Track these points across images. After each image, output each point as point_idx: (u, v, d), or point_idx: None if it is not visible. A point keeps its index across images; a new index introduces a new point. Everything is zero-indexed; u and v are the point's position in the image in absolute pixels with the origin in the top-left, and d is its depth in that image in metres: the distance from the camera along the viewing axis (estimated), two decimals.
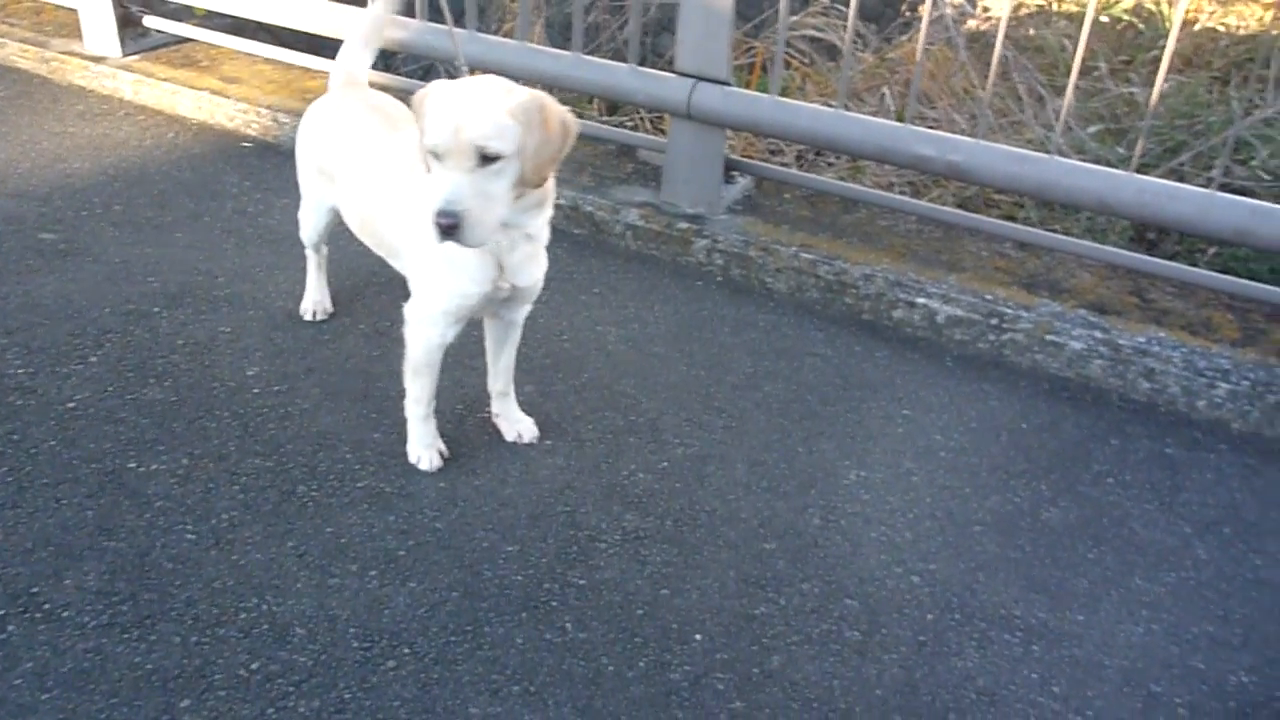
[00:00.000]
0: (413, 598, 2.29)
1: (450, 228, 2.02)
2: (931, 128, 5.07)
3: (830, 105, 3.20)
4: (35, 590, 2.24)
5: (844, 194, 3.45)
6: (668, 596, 2.33)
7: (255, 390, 2.84)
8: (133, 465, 2.57)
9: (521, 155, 2.07)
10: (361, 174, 2.60)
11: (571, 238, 3.60)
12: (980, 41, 6.19)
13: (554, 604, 2.29)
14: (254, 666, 2.12)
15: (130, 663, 2.11)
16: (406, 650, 2.17)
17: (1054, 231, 3.32)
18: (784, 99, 3.23)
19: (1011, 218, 3.68)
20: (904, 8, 7.51)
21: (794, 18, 5.86)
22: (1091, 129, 4.44)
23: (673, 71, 3.33)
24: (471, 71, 2.51)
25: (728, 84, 3.27)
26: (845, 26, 5.70)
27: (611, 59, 3.55)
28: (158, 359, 2.92)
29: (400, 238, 2.50)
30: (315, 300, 3.12)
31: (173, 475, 2.55)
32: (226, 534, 2.41)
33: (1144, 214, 2.88)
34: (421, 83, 4.00)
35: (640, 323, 3.20)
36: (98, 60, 4.38)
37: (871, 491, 2.64)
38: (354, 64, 2.88)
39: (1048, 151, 2.96)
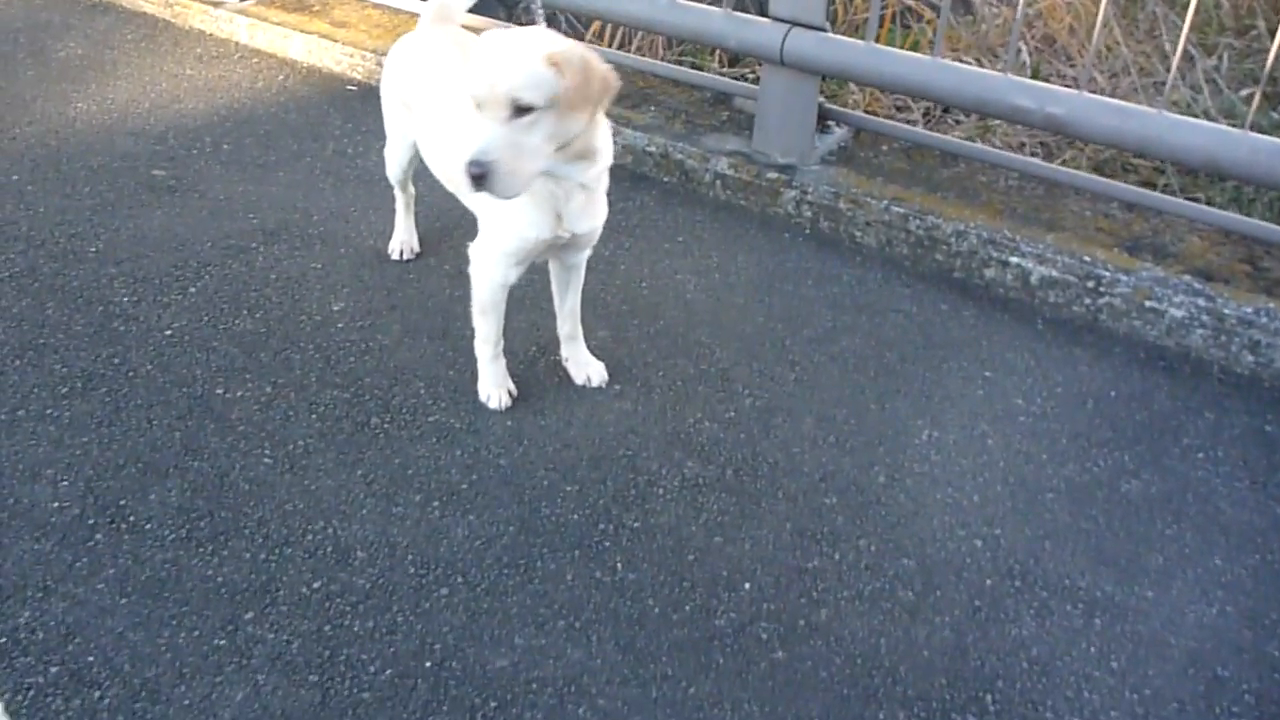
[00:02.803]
0: (471, 530, 2.34)
1: (479, 178, 2.03)
2: (1069, 87, 4.89)
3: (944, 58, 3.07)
4: (123, 503, 2.37)
5: (940, 146, 3.34)
6: (720, 544, 2.32)
7: (340, 325, 2.93)
8: (220, 391, 2.69)
9: (558, 107, 2.06)
10: (436, 109, 2.63)
11: (660, 185, 3.58)
12: None
13: (607, 544, 2.31)
14: (315, 585, 2.21)
15: (202, 575, 2.22)
16: (460, 579, 2.23)
17: (1195, 200, 3.12)
18: (879, 45, 3.13)
19: (1151, 184, 3.48)
20: None
21: None
22: (1244, 92, 4.17)
23: (768, 17, 3.26)
24: (550, 17, 2.52)
25: (824, 29, 3.19)
26: None
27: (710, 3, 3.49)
28: (251, 292, 3.04)
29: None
30: (403, 240, 3.19)
31: (256, 402, 2.66)
32: (300, 460, 2.50)
33: (1255, 174, 2.70)
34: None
35: (722, 273, 3.18)
36: (216, 4, 4.54)
37: (942, 452, 2.57)
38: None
39: (1194, 114, 2.77)
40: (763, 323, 2.98)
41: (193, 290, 3.04)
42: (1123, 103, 2.84)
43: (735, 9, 3.38)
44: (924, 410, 2.70)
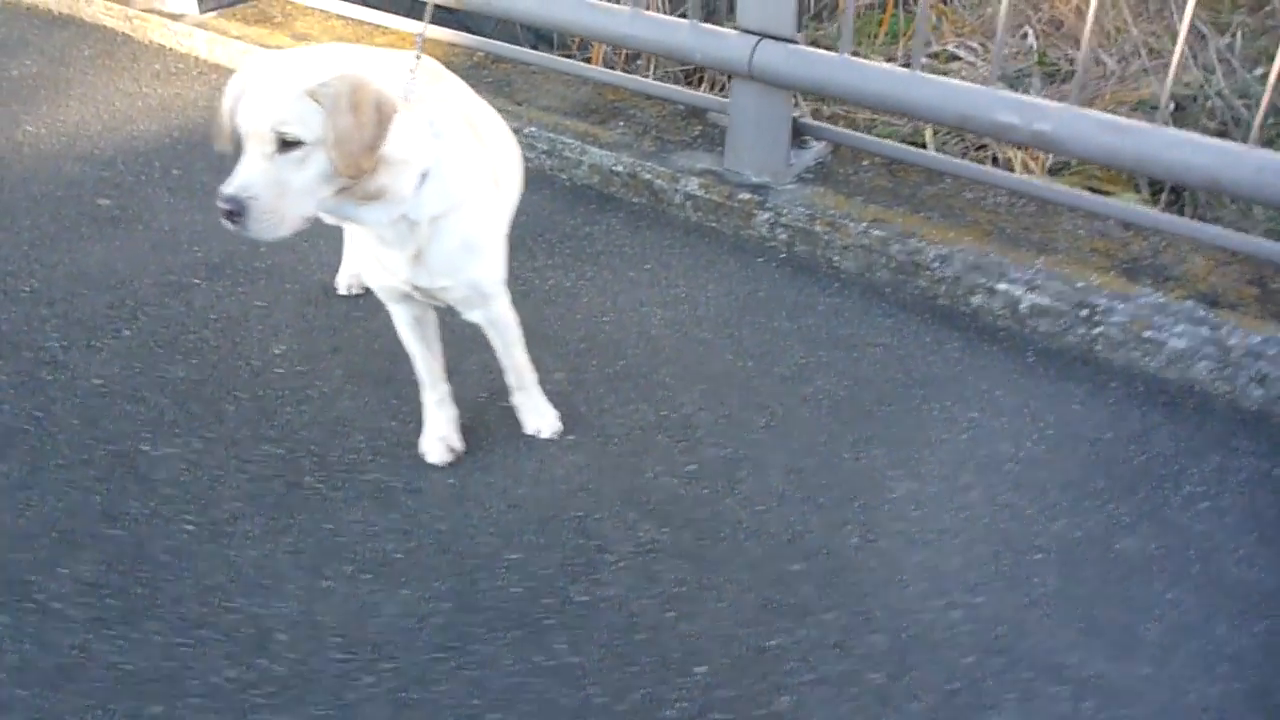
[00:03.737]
0: (403, 606, 2.16)
1: (230, 215, 1.81)
2: (1074, 69, 4.66)
3: (917, 67, 2.85)
4: (31, 579, 2.20)
5: (921, 162, 3.12)
6: (674, 620, 2.13)
7: (279, 370, 2.74)
8: (146, 448, 2.52)
9: (326, 144, 1.82)
10: None
11: (628, 207, 3.38)
12: None
13: (549, 622, 2.13)
14: (230, 674, 2.04)
15: (110, 662, 2.05)
16: (387, 666, 2.05)
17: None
18: (854, 58, 2.91)
19: (1158, 195, 3.23)
20: None
21: None
22: (1258, 71, 3.93)
23: (735, 28, 3.04)
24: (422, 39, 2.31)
25: (793, 41, 2.97)
26: None
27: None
28: (189, 334, 2.86)
29: None
30: (351, 274, 3.00)
31: (183, 460, 2.49)
32: (225, 526, 2.32)
33: (1261, 194, 2.47)
34: (494, 42, 3.83)
35: (690, 304, 2.97)
36: (176, 18, 4.35)
37: (921, 507, 2.37)
38: None
39: (1206, 95, 2.51)
40: (731, 360, 2.78)
41: (127, 333, 2.86)
42: (1117, 118, 2.62)
43: (707, 19, 3.17)
44: (901, 459, 2.49)
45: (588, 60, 4.19)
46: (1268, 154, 2.47)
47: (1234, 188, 2.50)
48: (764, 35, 2.98)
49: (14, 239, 3.22)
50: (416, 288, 2.18)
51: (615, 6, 3.28)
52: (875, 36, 5.51)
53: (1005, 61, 4.98)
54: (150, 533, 2.31)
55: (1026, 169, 3.48)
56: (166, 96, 4.02)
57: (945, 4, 5.54)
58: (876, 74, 2.88)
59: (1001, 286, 2.84)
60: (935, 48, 5.20)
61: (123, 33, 4.53)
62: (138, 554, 2.26)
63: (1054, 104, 2.67)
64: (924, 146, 3.58)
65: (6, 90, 4.07)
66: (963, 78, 4.77)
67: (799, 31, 2.98)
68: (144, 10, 4.43)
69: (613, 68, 4.18)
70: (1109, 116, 2.63)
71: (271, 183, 1.81)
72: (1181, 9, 4.77)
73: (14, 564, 2.23)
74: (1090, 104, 4.41)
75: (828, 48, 5.12)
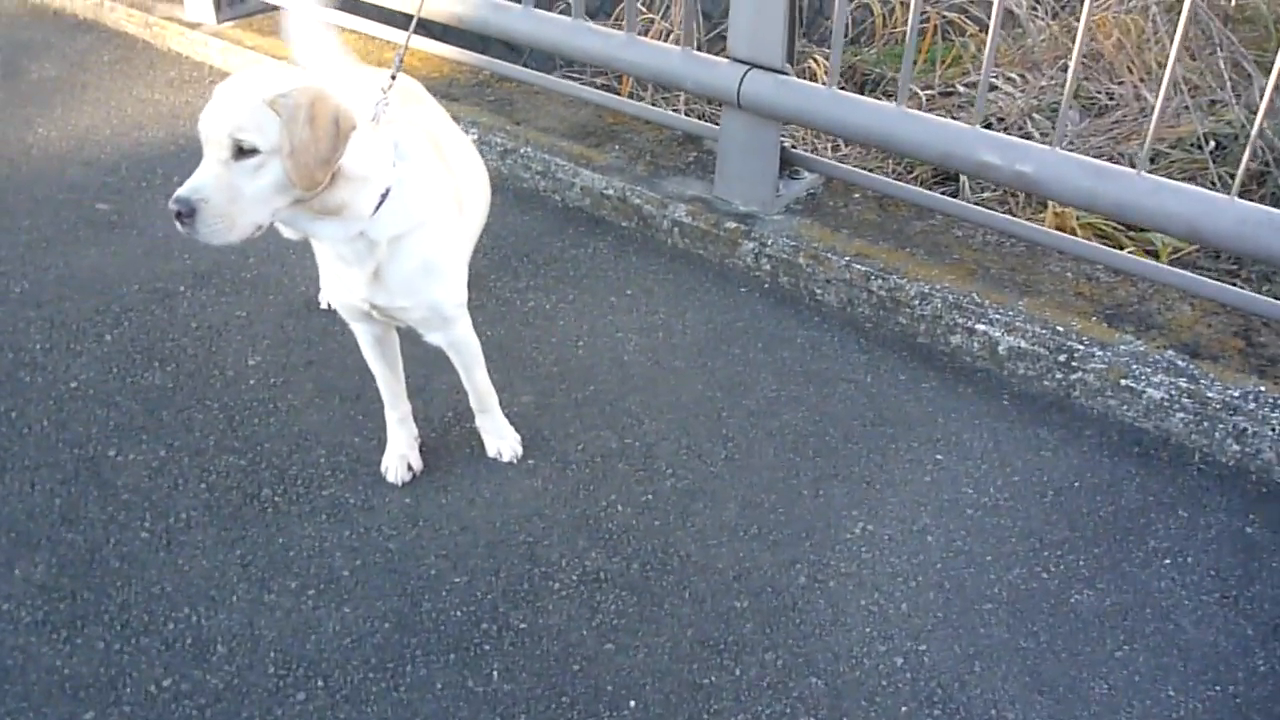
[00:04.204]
0: (343, 624, 2.16)
1: (179, 216, 1.79)
2: (1114, 104, 4.60)
3: (905, 102, 2.83)
4: None
5: (908, 198, 3.08)
6: (611, 652, 2.11)
7: (251, 382, 2.77)
8: (112, 453, 2.55)
9: (282, 154, 1.82)
10: None
11: (616, 231, 3.37)
12: (1178, 10, 5.61)
13: (486, 647, 2.12)
14: (165, 683, 2.05)
15: (50, 665, 2.07)
16: (320, 683, 2.05)
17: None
18: (841, 92, 2.89)
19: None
20: None
21: None
22: None
23: (726, 57, 3.04)
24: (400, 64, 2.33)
25: (783, 72, 2.96)
26: None
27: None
28: (167, 342, 2.90)
29: None
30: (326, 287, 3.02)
31: (146, 467, 2.51)
32: (179, 535, 2.35)
33: (1242, 246, 2.42)
34: (496, 61, 3.85)
35: (666, 331, 2.96)
36: (194, 26, 4.42)
37: (875, 550, 2.33)
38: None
39: (1247, 135, 2.43)
40: (700, 391, 2.76)
41: (108, 338, 2.90)
42: (1099, 162, 2.57)
43: (700, 46, 3.17)
44: (861, 499, 2.46)
45: (609, 86, 4.21)
46: (1250, 206, 2.42)
47: (1215, 238, 2.45)
48: (753, 65, 2.97)
49: (11, 240, 3.29)
50: (375, 307, 2.19)
51: (610, 31, 3.29)
52: (915, 63, 5.48)
53: (1042, 93, 4.94)
54: (105, 538, 2.34)
55: (1055, 215, 3.42)
56: (177, 104, 4.08)
57: (985, 33, 5.51)
58: (863, 108, 2.86)
59: (981, 327, 2.80)
60: (974, 77, 5.17)
61: (142, 39, 4.62)
62: (91, 559, 2.29)
63: (1036, 145, 2.64)
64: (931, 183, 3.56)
65: (24, 93, 4.16)
66: (1000, 108, 4.74)
67: (789, 62, 2.96)
68: (164, 18, 4.50)
69: (618, 92, 4.20)
70: (1090, 160, 2.59)
71: (224, 188, 1.81)
72: (1227, 46, 4.73)
73: None
74: (1128, 139, 4.38)
75: (865, 74, 5.13)
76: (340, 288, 2.20)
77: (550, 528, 2.38)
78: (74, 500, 2.42)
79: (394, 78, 2.38)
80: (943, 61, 5.30)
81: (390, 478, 2.48)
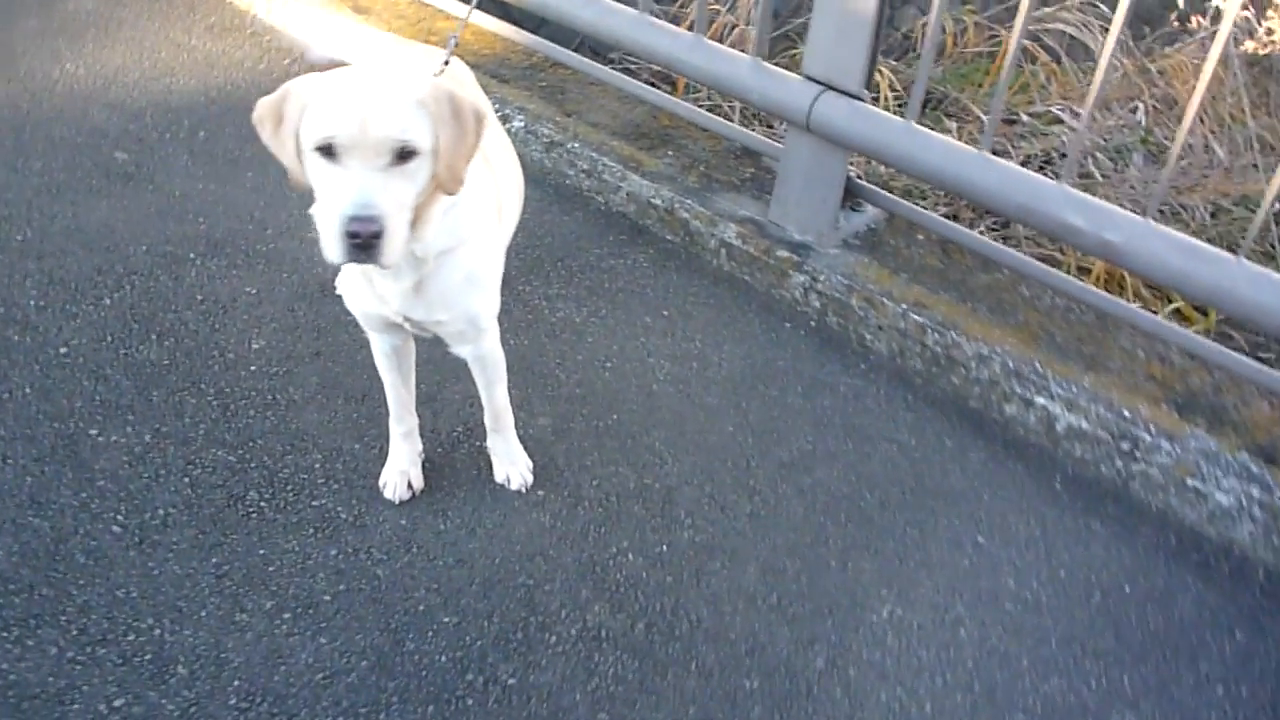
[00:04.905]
0: (317, 656, 1.98)
1: (371, 239, 1.59)
2: (1180, 153, 4.38)
3: (977, 147, 2.60)
4: None
5: (976, 249, 2.85)
6: None
7: (252, 368, 2.58)
8: (94, 432, 2.37)
9: (435, 152, 1.68)
10: None
11: (660, 244, 3.16)
12: (1258, 66, 5.35)
13: (470, 702, 1.93)
14: (118, 703, 1.88)
15: None
16: None
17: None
18: (919, 127, 2.66)
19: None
20: (1173, 18, 6.59)
21: (1045, 9, 5.22)
22: None
23: (799, 74, 2.82)
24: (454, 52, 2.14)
25: (860, 98, 2.74)
26: (1097, 26, 5.01)
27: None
28: (169, 313, 2.71)
29: None
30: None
31: (128, 452, 2.33)
32: (153, 534, 2.17)
33: None
34: (553, 46, 3.64)
35: (700, 362, 2.76)
36: None
37: (902, 637, 2.13)
38: None
39: None
40: (730, 434, 2.56)
41: (107, 302, 2.72)
42: (1195, 242, 2.34)
43: (769, 58, 2.94)
44: (893, 577, 2.26)
45: (659, 79, 3.99)
46: None
47: None
48: (828, 86, 2.75)
49: (21, 183, 3.10)
50: (409, 319, 2.00)
51: (678, 30, 3.06)
52: (981, 86, 5.25)
53: (1109, 133, 4.70)
54: (74, 528, 2.16)
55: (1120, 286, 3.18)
56: (213, 53, 3.89)
57: (1058, 64, 5.27)
58: (939, 147, 2.64)
59: (1040, 400, 2.58)
60: (1039, 108, 4.93)
61: None
62: (55, 550, 2.11)
63: (1128, 214, 2.41)
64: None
65: (57, 23, 3.97)
66: (1063, 143, 4.51)
67: (865, 87, 2.74)
68: None
69: (672, 87, 3.98)
70: (1187, 239, 2.36)
71: (393, 198, 1.63)
72: None
73: None
74: (1191, 191, 4.14)
75: (927, 90, 4.88)
76: (367, 298, 1.99)
77: (553, 571, 2.18)
78: (46, 482, 2.25)
79: (447, 63, 2.19)
80: (1010, 88, 5.06)
81: (388, 494, 2.29)
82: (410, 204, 1.69)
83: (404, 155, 1.64)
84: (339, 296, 2.79)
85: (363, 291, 1.98)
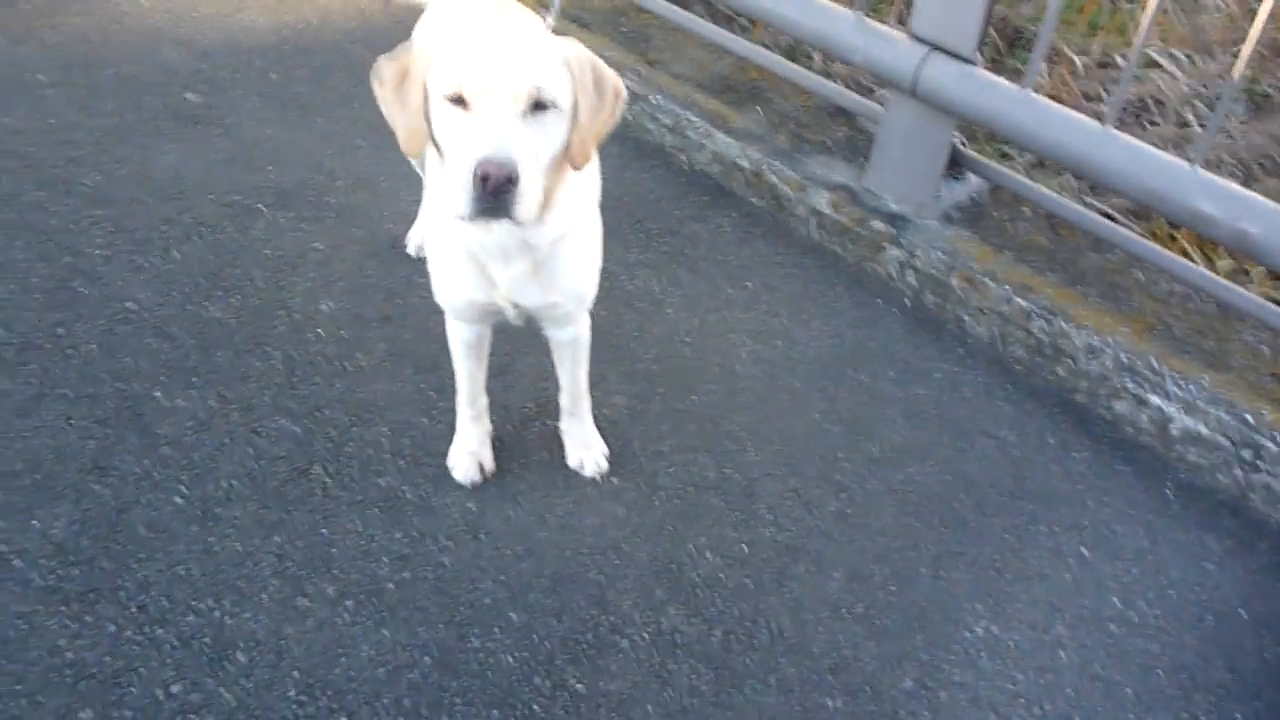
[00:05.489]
0: (379, 650, 1.89)
1: (505, 184, 1.47)
2: None
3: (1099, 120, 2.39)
4: (0, 525, 2.01)
5: (1091, 229, 2.64)
6: None
7: (319, 330, 2.48)
8: (158, 394, 2.29)
9: (573, 117, 1.58)
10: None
11: (745, 208, 2.99)
12: None
13: (535, 708, 1.84)
14: (175, 689, 1.81)
15: (53, 645, 1.84)
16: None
17: None
18: (1038, 96, 2.45)
19: None
20: None
21: None
22: None
23: (906, 33, 2.60)
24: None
25: (971, 63, 2.52)
26: None
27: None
28: (235, 268, 2.62)
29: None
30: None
31: (192, 417, 2.25)
32: (215, 507, 2.09)
33: None
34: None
35: (786, 340, 2.60)
36: None
37: (997, 658, 1.99)
38: None
39: None
40: (817, 422, 2.41)
41: (175, 254, 2.64)
42: None
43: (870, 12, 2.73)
44: (988, 589, 2.11)
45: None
46: None
47: None
48: (937, 48, 2.54)
49: (89, 123, 3.02)
50: (517, 304, 1.88)
51: None
52: (1073, 24, 4.94)
53: (1209, 79, 4.38)
54: (136, 497, 2.09)
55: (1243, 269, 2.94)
56: None
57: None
58: (1060, 120, 2.42)
59: (1153, 399, 2.39)
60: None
61: None
62: (116, 520, 2.05)
63: (1269, 204, 2.19)
64: None
65: None
66: (1159, 89, 4.20)
67: (979, 50, 2.53)
68: None
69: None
70: None
71: (528, 149, 1.52)
72: None
73: None
74: None
75: (1017, 29, 4.60)
76: (472, 285, 1.86)
77: (626, 568, 2.07)
78: (109, 446, 2.18)
79: (553, 19, 2.04)
80: (1103, 28, 4.73)
81: (457, 476, 2.19)
82: (545, 163, 1.57)
83: (540, 106, 1.53)
84: (409, 258, 2.70)
85: (467, 278, 1.85)
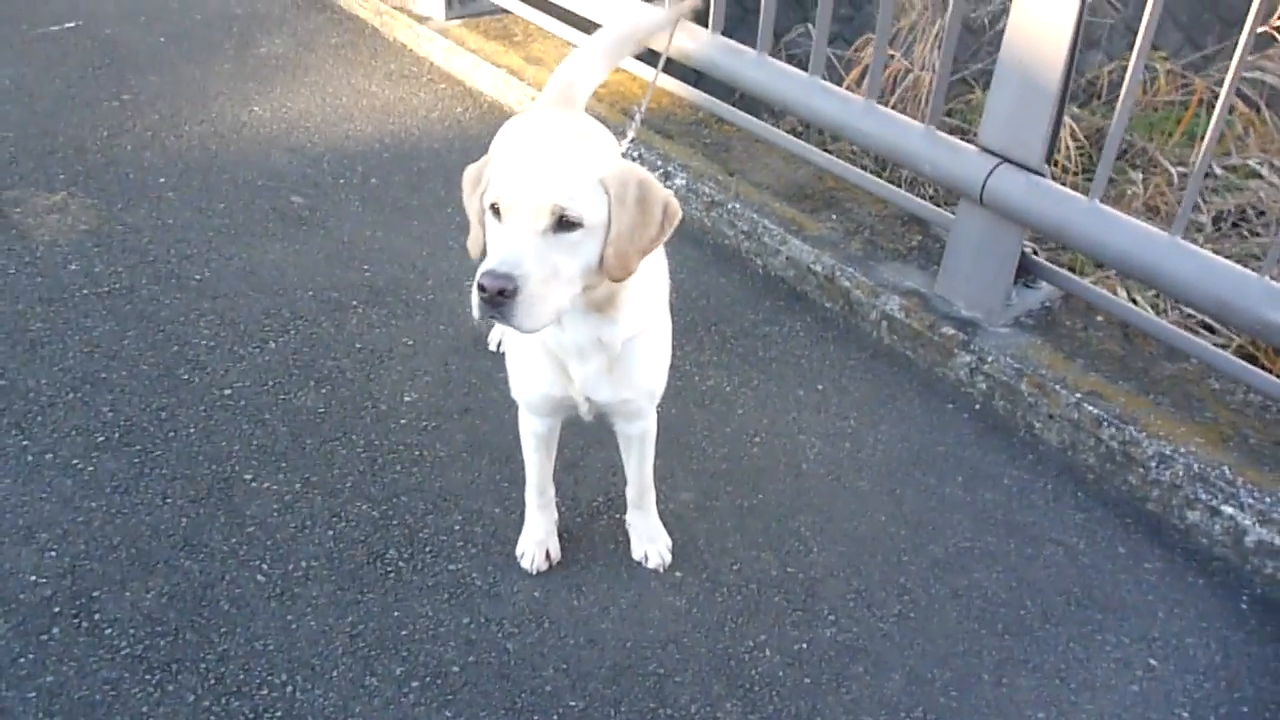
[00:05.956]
0: None
1: (500, 296, 1.55)
2: None
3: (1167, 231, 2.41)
4: (96, 594, 2.14)
5: (1164, 338, 2.64)
6: None
7: (403, 421, 2.60)
8: (248, 477, 2.43)
9: (606, 233, 1.64)
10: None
11: (818, 312, 3.06)
12: None
13: None
14: None
15: (136, 711, 1.95)
16: None
17: None
18: (1105, 207, 2.49)
19: None
20: None
21: (1249, 57, 4.91)
22: None
23: (974, 144, 2.68)
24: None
25: (1040, 174, 2.58)
26: None
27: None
28: (329, 360, 2.77)
29: None
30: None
31: (279, 499, 2.38)
32: (295, 586, 2.19)
33: None
34: (719, 103, 3.59)
35: (854, 443, 2.63)
36: (422, 20, 4.35)
37: None
38: (578, 75, 2.49)
39: None
40: (883, 524, 2.42)
41: (272, 345, 2.80)
42: None
43: (941, 125, 2.82)
44: (1052, 699, 2.08)
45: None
46: None
47: None
48: (1005, 159, 2.60)
49: (204, 223, 3.25)
50: (590, 399, 1.97)
51: (850, 95, 2.97)
52: (1171, 135, 4.96)
53: None
54: (221, 573, 2.20)
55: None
56: (391, 99, 4.00)
57: (1257, 113, 4.93)
58: (1127, 231, 2.46)
59: (1228, 509, 2.35)
60: (1234, 160, 4.60)
61: (371, 25, 4.58)
62: (203, 595, 2.16)
63: None
64: None
65: (250, 68, 4.17)
66: (1260, 197, 4.17)
67: (1047, 162, 2.58)
68: (394, 7, 4.45)
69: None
70: None
71: (543, 263, 1.60)
72: None
73: (87, 573, 2.18)
74: None
75: (1103, 133, 4.63)
76: (548, 379, 1.96)
77: (686, 661, 2.10)
78: (200, 524, 2.31)
79: (635, 129, 2.17)
80: (1201, 138, 4.75)
81: (525, 564, 2.26)
82: (573, 278, 1.64)
83: (565, 224, 1.61)
84: (490, 352, 2.82)
85: (543, 373, 1.95)
